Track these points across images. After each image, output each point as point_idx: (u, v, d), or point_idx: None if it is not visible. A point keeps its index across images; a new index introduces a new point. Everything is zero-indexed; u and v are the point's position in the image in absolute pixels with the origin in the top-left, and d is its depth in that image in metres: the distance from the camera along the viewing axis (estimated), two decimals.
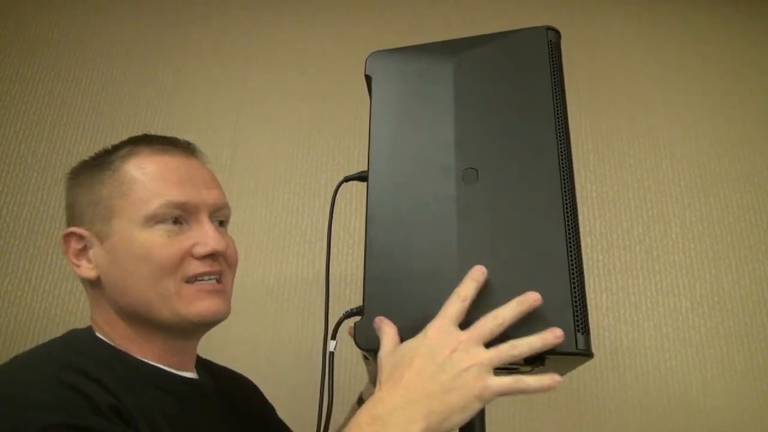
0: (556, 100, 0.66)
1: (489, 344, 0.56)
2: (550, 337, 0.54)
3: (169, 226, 0.67)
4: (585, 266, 0.61)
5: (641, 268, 1.27)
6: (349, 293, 1.24)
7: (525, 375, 0.55)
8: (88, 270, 0.68)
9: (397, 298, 0.62)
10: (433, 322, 0.57)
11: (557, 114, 0.65)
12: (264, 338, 1.20)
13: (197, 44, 1.45)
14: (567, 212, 0.60)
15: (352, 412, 0.81)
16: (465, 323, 0.57)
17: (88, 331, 0.69)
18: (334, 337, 0.68)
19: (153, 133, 0.75)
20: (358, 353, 0.80)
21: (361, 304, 0.64)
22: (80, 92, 1.38)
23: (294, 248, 1.27)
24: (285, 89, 1.41)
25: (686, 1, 1.52)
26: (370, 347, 0.62)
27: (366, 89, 0.74)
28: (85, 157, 0.75)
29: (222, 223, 0.74)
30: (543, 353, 0.55)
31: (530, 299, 0.56)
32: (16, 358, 0.60)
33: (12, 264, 1.22)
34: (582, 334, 0.56)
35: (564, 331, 0.54)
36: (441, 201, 0.64)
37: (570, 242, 0.59)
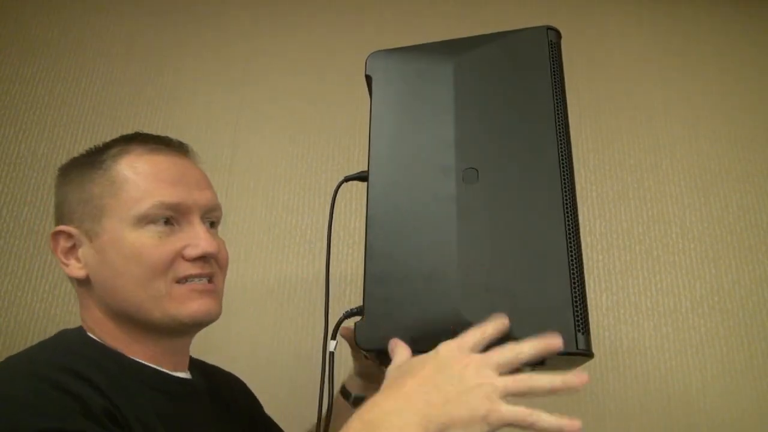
0: (557, 100, 0.66)
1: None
2: (571, 378, 0.52)
3: (160, 227, 0.66)
4: (585, 266, 0.61)
5: (641, 268, 1.27)
6: (349, 293, 1.24)
7: (541, 411, 0.52)
8: (77, 269, 0.68)
9: (397, 298, 0.62)
10: (446, 342, 0.55)
11: (557, 114, 0.65)
12: (264, 338, 1.20)
13: (197, 44, 1.45)
14: (567, 212, 0.60)
15: (337, 403, 0.80)
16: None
17: (80, 332, 0.68)
18: (334, 337, 0.68)
19: (148, 132, 0.75)
20: None
21: (361, 304, 0.64)
22: (80, 92, 1.38)
23: (294, 248, 1.27)
24: (285, 89, 1.41)
25: (686, 1, 1.52)
26: (371, 347, 0.62)
27: (366, 89, 0.74)
28: (76, 154, 0.74)
29: (213, 224, 0.74)
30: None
31: (554, 343, 0.53)
32: (8, 359, 0.60)
33: (12, 264, 1.22)
34: (582, 334, 0.56)
35: (564, 331, 0.54)
36: (441, 201, 0.64)
37: (570, 242, 0.59)
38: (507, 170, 0.64)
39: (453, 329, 0.56)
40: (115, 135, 0.74)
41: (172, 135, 0.75)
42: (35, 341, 0.66)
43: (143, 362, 0.67)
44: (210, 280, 0.69)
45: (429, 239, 0.63)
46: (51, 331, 0.69)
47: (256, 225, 1.28)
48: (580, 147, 1.36)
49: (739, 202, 1.31)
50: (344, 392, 0.85)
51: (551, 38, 0.69)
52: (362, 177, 0.72)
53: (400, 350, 0.58)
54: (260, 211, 1.30)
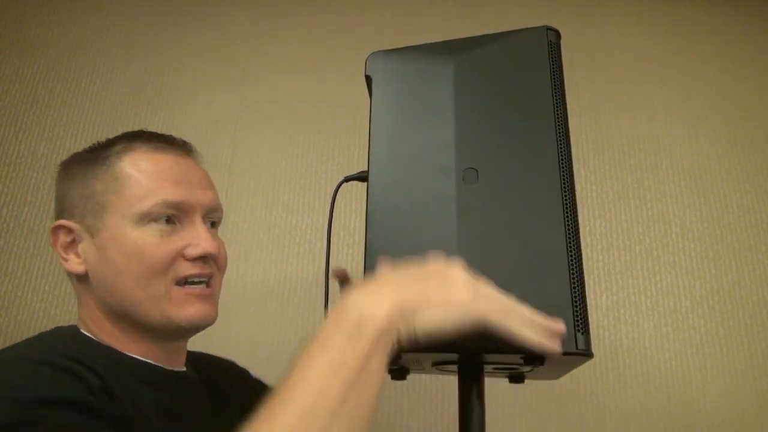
0: (556, 100, 0.66)
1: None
2: (548, 344, 0.50)
3: (162, 226, 0.66)
4: (585, 266, 0.61)
5: (641, 268, 1.27)
6: None
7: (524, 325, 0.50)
8: (76, 264, 0.68)
9: None
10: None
11: (557, 114, 0.65)
12: (264, 338, 1.20)
13: (197, 44, 1.45)
14: (567, 212, 0.60)
15: None
16: None
17: (74, 329, 0.68)
18: None
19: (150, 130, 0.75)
20: None
21: None
22: (80, 92, 1.38)
23: (294, 248, 1.27)
24: (285, 89, 1.41)
25: (686, 1, 1.52)
26: None
27: (366, 89, 0.74)
28: (84, 143, 0.74)
29: (214, 225, 0.74)
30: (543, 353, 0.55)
31: (557, 328, 0.52)
32: (4, 350, 0.60)
33: (12, 264, 1.22)
34: (582, 334, 0.56)
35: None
36: (441, 201, 0.64)
37: (570, 242, 0.59)
38: (507, 170, 0.64)
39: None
40: (115, 135, 0.75)
41: (172, 135, 0.76)
42: None
43: (137, 357, 0.67)
44: (208, 284, 0.69)
45: (429, 239, 0.63)
46: None
47: (256, 225, 1.28)
48: (580, 147, 1.36)
49: (739, 202, 1.31)
50: None
51: (551, 38, 0.69)
52: (362, 177, 0.72)
53: (382, 267, 0.57)
54: (260, 211, 1.30)
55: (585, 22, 1.50)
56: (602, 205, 1.32)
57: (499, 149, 0.65)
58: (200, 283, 0.68)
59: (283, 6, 1.50)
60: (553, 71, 0.67)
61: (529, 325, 0.50)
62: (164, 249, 0.65)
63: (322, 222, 1.29)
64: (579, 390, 1.17)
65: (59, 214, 0.71)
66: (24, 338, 0.63)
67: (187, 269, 0.67)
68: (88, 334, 0.67)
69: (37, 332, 0.65)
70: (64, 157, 0.76)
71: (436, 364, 0.63)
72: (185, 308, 0.66)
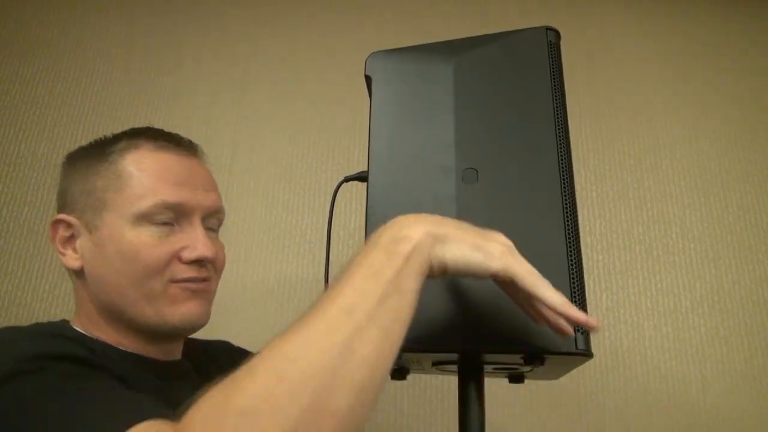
0: (556, 100, 0.66)
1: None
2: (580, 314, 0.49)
3: (160, 227, 0.66)
4: (585, 266, 0.61)
5: (641, 268, 1.27)
6: None
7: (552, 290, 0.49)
8: (72, 259, 0.68)
9: None
10: None
11: (557, 114, 0.65)
12: (264, 338, 1.19)
13: (197, 44, 1.45)
14: (567, 212, 0.60)
15: None
16: None
17: (63, 322, 0.69)
18: None
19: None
20: None
21: None
22: (80, 92, 1.38)
23: (294, 248, 1.27)
24: (285, 89, 1.41)
25: (686, 2, 1.52)
26: None
27: (366, 89, 0.74)
28: (84, 143, 0.74)
29: (215, 227, 0.73)
30: (543, 353, 0.55)
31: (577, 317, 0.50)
32: None
33: (12, 264, 1.22)
34: (582, 334, 0.56)
35: None
36: (441, 201, 0.64)
37: (570, 242, 0.59)
38: (507, 170, 0.64)
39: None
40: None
41: None
42: None
43: (131, 351, 0.67)
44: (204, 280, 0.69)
45: None
46: None
47: (256, 225, 1.28)
48: (580, 147, 1.36)
49: (739, 202, 1.31)
50: None
51: (551, 38, 0.69)
52: (362, 177, 0.72)
53: None
54: (260, 211, 1.30)
55: (585, 22, 1.50)
56: (602, 205, 1.32)
57: (499, 149, 0.65)
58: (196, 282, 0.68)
59: (283, 6, 1.50)
60: (553, 71, 0.67)
61: (557, 294, 0.49)
62: (160, 250, 0.65)
63: (322, 222, 1.29)
64: (579, 390, 1.17)
65: (60, 208, 0.71)
66: None
67: (183, 272, 0.66)
68: (76, 328, 0.67)
69: None
70: (64, 157, 0.75)
71: (436, 364, 0.63)
72: (180, 305, 0.66)
